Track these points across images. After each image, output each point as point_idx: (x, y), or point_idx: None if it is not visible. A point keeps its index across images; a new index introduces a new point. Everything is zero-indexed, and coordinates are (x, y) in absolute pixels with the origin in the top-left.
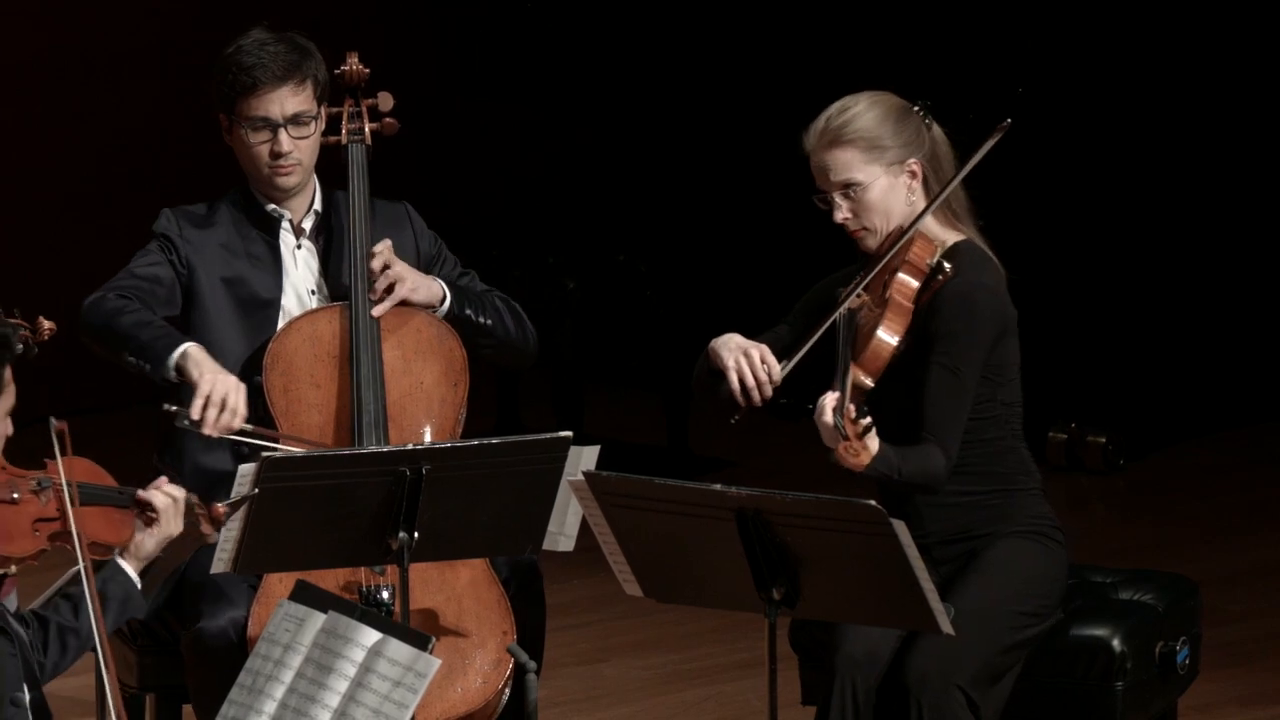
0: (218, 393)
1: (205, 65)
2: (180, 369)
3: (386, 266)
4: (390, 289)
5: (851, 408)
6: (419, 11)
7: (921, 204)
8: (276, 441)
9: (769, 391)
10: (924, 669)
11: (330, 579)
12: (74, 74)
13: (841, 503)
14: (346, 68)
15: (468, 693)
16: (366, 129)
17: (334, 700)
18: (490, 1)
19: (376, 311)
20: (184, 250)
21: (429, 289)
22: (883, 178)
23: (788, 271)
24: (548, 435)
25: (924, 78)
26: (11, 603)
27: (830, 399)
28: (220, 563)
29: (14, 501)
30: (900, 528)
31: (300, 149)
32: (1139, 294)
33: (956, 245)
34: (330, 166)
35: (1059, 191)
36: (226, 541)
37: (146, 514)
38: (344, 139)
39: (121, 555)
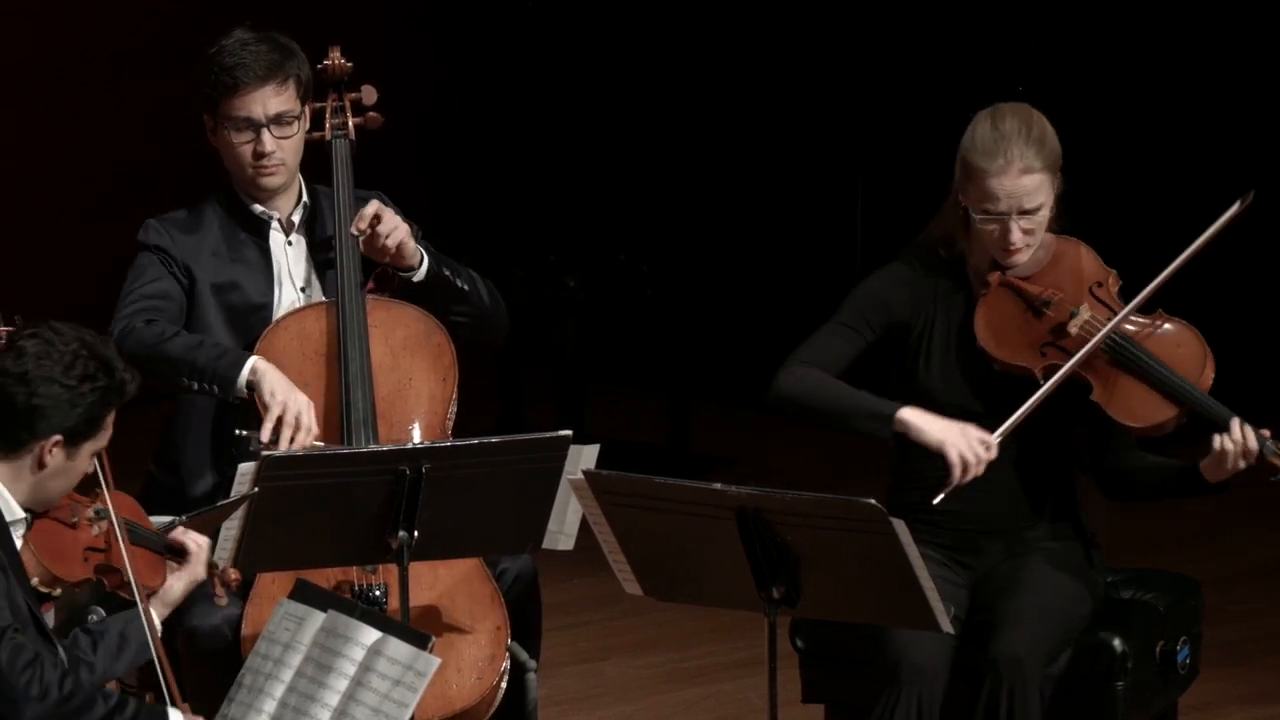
0: (290, 413)
1: None
2: (251, 386)
3: (378, 216)
4: (378, 219)
5: (1266, 432)
6: (419, 11)
7: None
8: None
9: (983, 469)
10: (1017, 653)
11: (322, 578)
12: (74, 74)
13: (842, 502)
14: (329, 62)
15: (462, 689)
16: (350, 124)
17: (334, 699)
18: (490, 1)
19: (354, 229)
20: (181, 258)
21: (413, 242)
22: (1052, 196)
23: (787, 271)
24: (547, 434)
25: (924, 77)
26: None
27: (1248, 431)
28: (220, 561)
29: (74, 525)
30: (900, 527)
31: (283, 149)
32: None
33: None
34: (315, 162)
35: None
36: (226, 540)
37: (177, 559)
38: (327, 134)
39: (150, 600)
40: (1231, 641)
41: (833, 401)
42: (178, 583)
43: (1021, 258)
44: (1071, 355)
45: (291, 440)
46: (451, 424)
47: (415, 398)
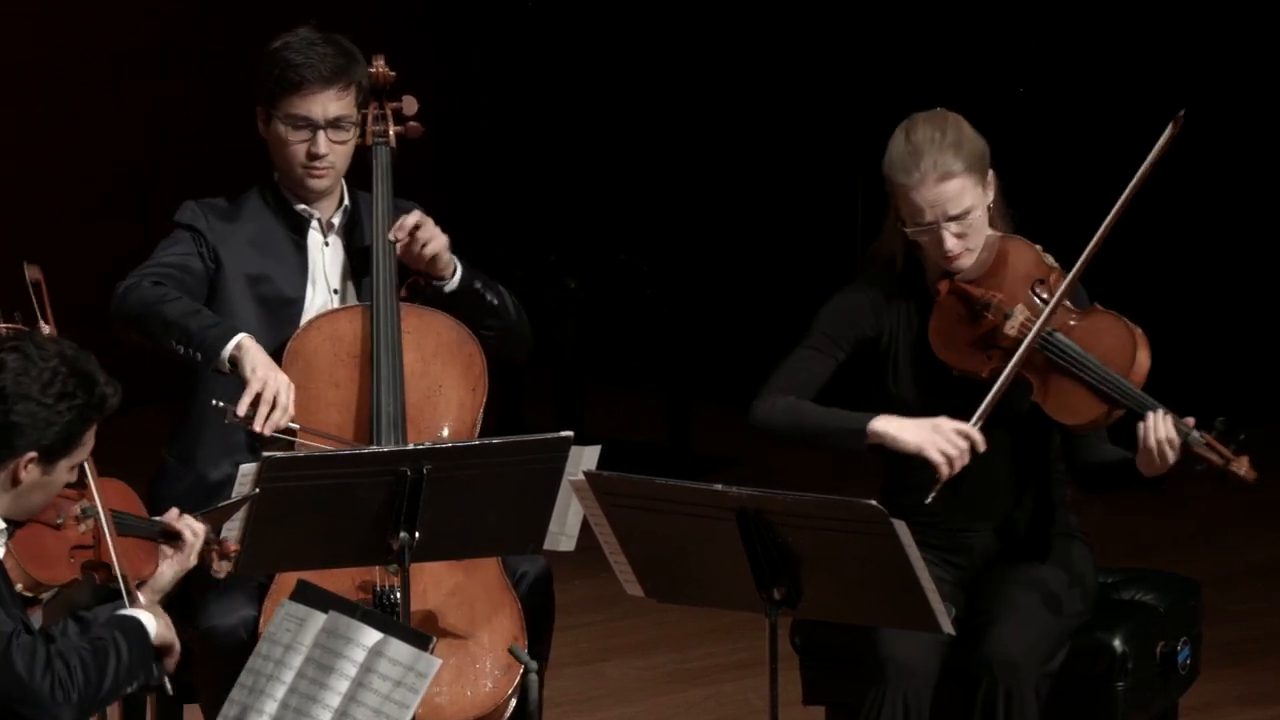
0: (269, 390)
1: (205, 65)
2: (234, 361)
3: (418, 225)
4: (418, 228)
5: (1190, 421)
6: (419, 11)
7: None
8: (325, 442)
9: (968, 457)
10: (1012, 654)
11: (345, 579)
12: (74, 74)
13: (843, 503)
14: (373, 69)
15: (476, 697)
16: (391, 132)
17: (335, 700)
18: (490, 1)
19: (392, 235)
20: (212, 241)
21: (448, 253)
22: (984, 197)
23: (786, 271)
24: (549, 435)
25: (924, 78)
26: None
27: (1166, 422)
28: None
29: (58, 527)
30: (901, 528)
31: (336, 153)
32: (1139, 294)
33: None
34: (353, 167)
35: (1056, 191)
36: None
37: (171, 544)
38: (369, 140)
39: (139, 588)
40: (1231, 641)
41: (807, 426)
42: (168, 570)
43: (964, 262)
44: (1012, 356)
45: (267, 419)
46: (478, 432)
47: (445, 404)
